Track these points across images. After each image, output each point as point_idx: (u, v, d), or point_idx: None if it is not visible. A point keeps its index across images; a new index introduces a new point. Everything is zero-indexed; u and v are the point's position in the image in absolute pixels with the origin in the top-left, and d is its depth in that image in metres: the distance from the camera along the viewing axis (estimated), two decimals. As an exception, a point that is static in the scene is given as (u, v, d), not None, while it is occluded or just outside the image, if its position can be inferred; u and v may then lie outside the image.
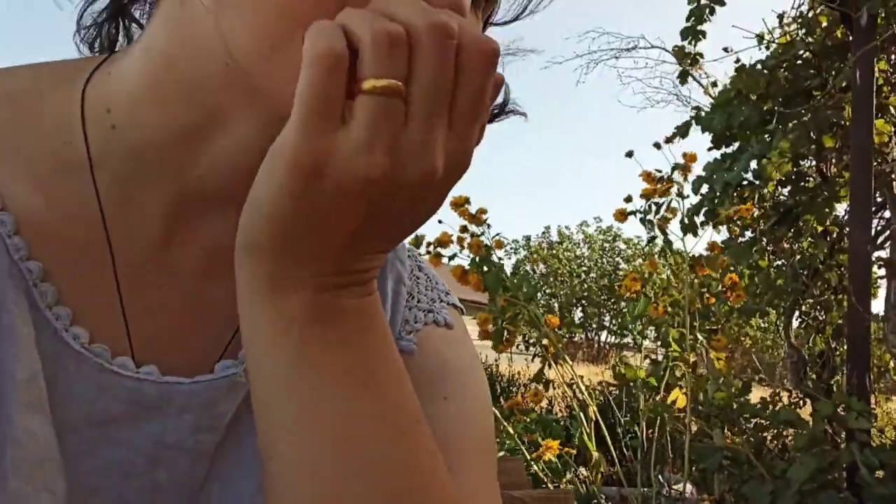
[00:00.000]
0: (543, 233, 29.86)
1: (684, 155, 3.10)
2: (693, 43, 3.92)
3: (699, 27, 3.85)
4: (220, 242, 0.47)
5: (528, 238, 30.09)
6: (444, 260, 2.90)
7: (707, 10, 3.76)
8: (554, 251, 27.76)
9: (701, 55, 4.06)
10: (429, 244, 2.93)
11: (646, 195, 3.01)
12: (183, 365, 0.45)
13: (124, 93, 0.43)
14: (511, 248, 30.39)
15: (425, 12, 0.33)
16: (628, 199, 3.12)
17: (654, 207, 3.05)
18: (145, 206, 0.44)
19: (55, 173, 0.43)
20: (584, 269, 27.06)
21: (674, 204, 3.05)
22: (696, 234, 3.06)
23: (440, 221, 2.94)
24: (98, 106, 0.44)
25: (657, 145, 3.19)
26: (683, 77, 4.26)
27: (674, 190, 3.05)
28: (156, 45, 0.42)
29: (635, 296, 2.89)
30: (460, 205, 2.86)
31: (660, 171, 3.06)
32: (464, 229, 2.88)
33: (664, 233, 3.04)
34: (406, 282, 0.56)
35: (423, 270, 0.60)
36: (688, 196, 3.13)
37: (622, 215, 3.03)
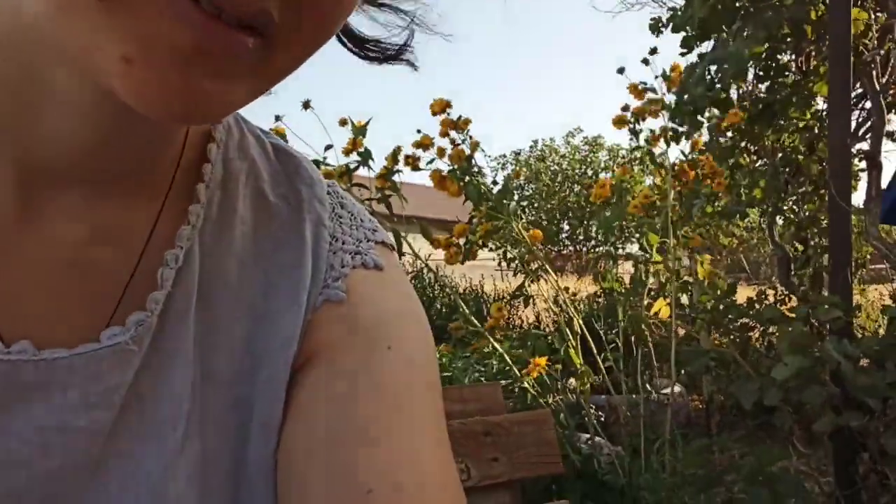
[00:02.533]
0: (532, 146, 29.68)
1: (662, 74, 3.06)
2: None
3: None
4: (97, 205, 0.42)
5: (517, 153, 29.90)
6: (423, 164, 2.85)
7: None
8: (544, 164, 27.68)
9: None
10: (407, 157, 2.87)
11: (638, 113, 3.03)
12: (64, 337, 0.40)
13: None
14: (499, 164, 30.27)
15: None
16: (626, 108, 3.10)
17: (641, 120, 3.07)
18: None
19: None
20: (569, 181, 27.06)
21: (659, 118, 3.05)
22: (678, 142, 3.05)
23: (419, 131, 2.88)
24: None
25: (645, 61, 3.15)
26: None
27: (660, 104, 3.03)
28: None
29: (603, 203, 2.89)
30: (441, 110, 2.77)
31: (645, 84, 3.06)
32: (445, 133, 2.82)
33: (651, 149, 3.03)
34: (327, 223, 0.51)
35: (345, 208, 0.54)
36: (671, 105, 3.14)
37: (621, 122, 3.03)
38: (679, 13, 3.75)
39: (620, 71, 3.19)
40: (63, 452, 0.39)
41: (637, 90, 3.02)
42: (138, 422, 0.42)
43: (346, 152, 2.76)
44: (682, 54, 3.71)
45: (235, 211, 0.48)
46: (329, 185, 0.55)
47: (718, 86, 3.55)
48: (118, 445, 0.41)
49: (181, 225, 0.45)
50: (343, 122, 2.82)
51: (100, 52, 0.30)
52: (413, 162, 2.81)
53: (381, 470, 0.42)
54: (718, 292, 3.07)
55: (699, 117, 3.47)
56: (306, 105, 2.91)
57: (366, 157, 2.76)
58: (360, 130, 2.78)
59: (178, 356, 0.43)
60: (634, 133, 3.12)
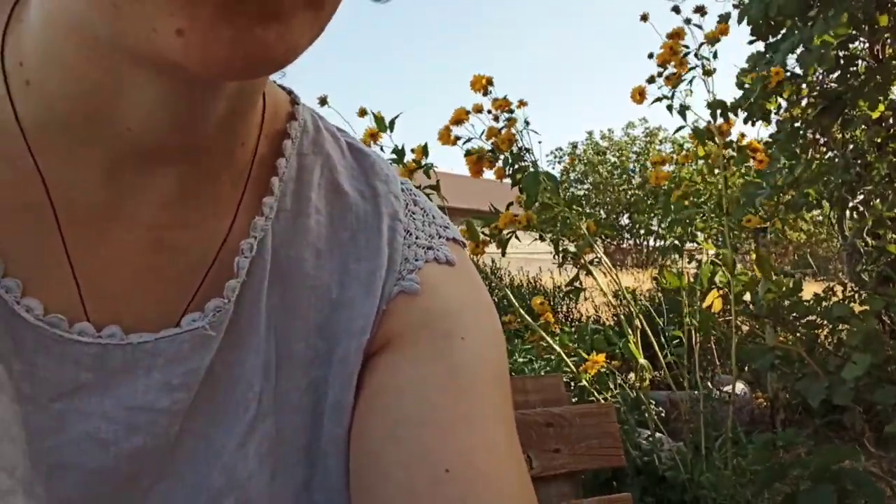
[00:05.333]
0: (588, 138, 29.39)
1: (706, 37, 2.84)
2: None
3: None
4: (177, 193, 0.44)
5: (574, 145, 29.63)
6: (460, 143, 2.69)
7: None
8: (600, 157, 27.36)
9: None
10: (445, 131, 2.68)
11: (662, 61, 2.75)
12: (148, 321, 0.43)
13: (31, 45, 0.39)
14: (555, 157, 30.06)
15: None
16: (651, 80, 2.89)
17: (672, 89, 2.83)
18: (82, 163, 0.41)
19: None
20: (629, 174, 26.67)
21: (698, 81, 2.83)
22: (726, 119, 2.82)
23: (467, 112, 2.70)
24: (13, 59, 0.40)
25: (676, 9, 2.90)
26: None
27: (696, 64, 2.81)
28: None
29: (665, 185, 2.77)
30: (482, 88, 2.65)
31: (687, 48, 2.83)
32: (479, 109, 2.66)
33: (683, 113, 2.83)
34: (402, 218, 0.53)
35: (418, 205, 0.56)
36: (714, 71, 2.86)
37: (640, 95, 2.80)
38: (749, 3, 3.64)
39: (644, 18, 2.95)
40: (146, 432, 0.42)
41: (671, 50, 2.74)
42: (212, 403, 0.44)
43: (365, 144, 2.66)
44: (751, 42, 3.60)
45: (310, 202, 0.50)
46: (402, 182, 0.56)
47: (798, 70, 3.42)
48: (194, 426, 0.44)
49: (255, 216, 0.47)
50: (362, 113, 2.65)
51: (156, 34, 0.31)
52: (450, 138, 2.65)
53: (457, 452, 0.43)
54: (783, 288, 2.98)
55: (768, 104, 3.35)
56: (323, 101, 2.78)
57: (400, 155, 2.66)
58: (381, 122, 2.64)
59: (250, 341, 0.45)
60: (669, 107, 2.91)
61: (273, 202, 0.48)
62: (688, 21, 2.86)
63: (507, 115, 2.70)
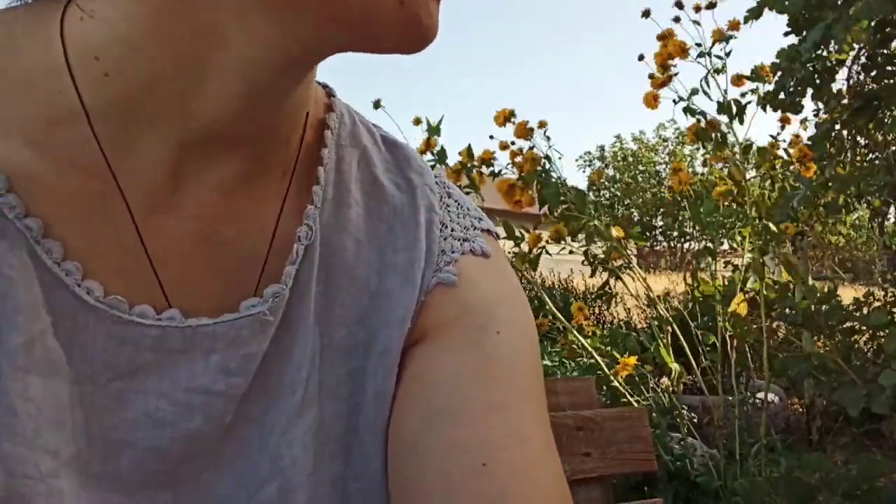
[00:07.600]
0: (615, 142, 29.23)
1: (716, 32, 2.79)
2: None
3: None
4: (233, 182, 0.45)
5: (601, 147, 29.47)
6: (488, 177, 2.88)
7: None
8: (630, 160, 27.17)
9: None
10: (483, 160, 2.88)
11: (662, 59, 2.67)
12: (207, 306, 0.44)
13: (115, 39, 0.39)
14: (584, 161, 29.93)
15: None
16: (662, 84, 2.74)
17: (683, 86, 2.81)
18: (148, 150, 0.41)
19: (49, 125, 0.40)
20: (659, 176, 26.41)
21: (710, 79, 2.77)
22: (741, 121, 2.76)
23: (491, 137, 2.90)
24: (83, 53, 0.40)
25: (679, 4, 2.77)
26: None
27: (706, 62, 2.76)
28: None
29: (690, 192, 2.76)
30: (506, 120, 2.78)
31: (700, 45, 2.76)
32: (504, 146, 2.82)
33: (692, 112, 2.77)
34: (437, 210, 0.53)
35: (452, 197, 0.56)
36: (723, 70, 2.78)
37: (654, 99, 2.74)
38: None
39: (645, 14, 2.78)
40: (203, 414, 0.43)
41: (667, 38, 2.66)
42: (266, 389, 0.45)
43: (421, 152, 2.78)
44: (786, 34, 3.51)
45: (350, 192, 0.50)
46: (436, 175, 0.56)
47: (833, 50, 3.31)
48: (247, 410, 0.44)
49: (304, 204, 0.48)
50: (417, 122, 2.87)
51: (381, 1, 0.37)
52: (480, 176, 2.85)
53: (494, 445, 0.43)
54: (820, 293, 2.92)
55: (800, 101, 3.27)
56: (377, 105, 2.94)
57: (442, 156, 2.81)
58: (434, 130, 2.82)
59: (301, 326, 0.46)
60: (689, 110, 2.80)
61: (320, 191, 0.49)
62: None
63: (527, 142, 2.84)
